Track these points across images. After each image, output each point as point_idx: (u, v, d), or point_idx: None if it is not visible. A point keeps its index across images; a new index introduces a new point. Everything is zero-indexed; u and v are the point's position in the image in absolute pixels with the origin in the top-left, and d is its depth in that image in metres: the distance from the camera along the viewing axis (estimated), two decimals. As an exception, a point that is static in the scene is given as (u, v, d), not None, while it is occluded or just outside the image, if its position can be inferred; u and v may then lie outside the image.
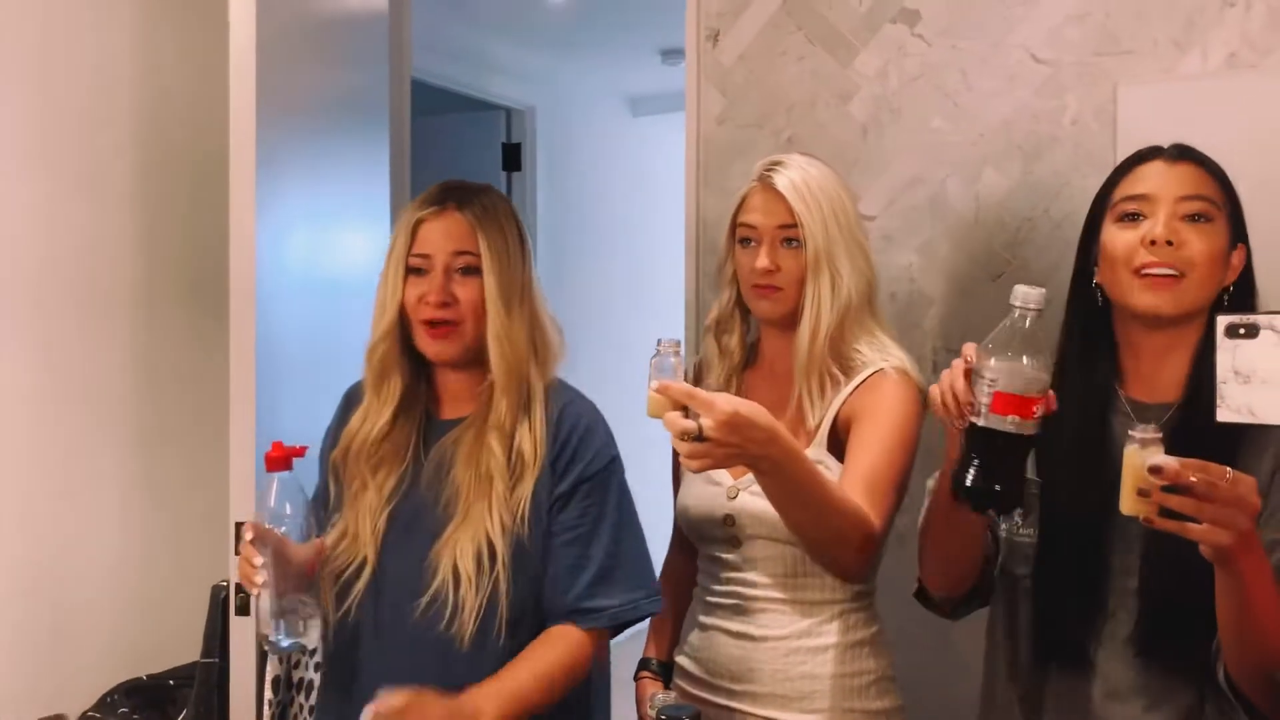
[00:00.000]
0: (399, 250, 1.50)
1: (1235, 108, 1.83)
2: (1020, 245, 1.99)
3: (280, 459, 1.41)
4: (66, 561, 2.36)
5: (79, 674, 2.35)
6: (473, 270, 1.49)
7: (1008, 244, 2.00)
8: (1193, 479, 1.06)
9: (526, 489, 1.47)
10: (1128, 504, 1.12)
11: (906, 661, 1.66)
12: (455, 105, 4.41)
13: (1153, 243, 1.29)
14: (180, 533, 2.51)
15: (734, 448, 1.26)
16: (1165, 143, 1.38)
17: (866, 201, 2.09)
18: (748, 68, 2.23)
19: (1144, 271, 1.30)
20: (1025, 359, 1.16)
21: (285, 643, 1.40)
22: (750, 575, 1.61)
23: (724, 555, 1.63)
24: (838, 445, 1.56)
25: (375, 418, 1.53)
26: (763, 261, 1.60)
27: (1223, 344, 1.09)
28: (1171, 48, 1.89)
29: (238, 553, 1.96)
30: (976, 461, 1.19)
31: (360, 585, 1.47)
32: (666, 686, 1.75)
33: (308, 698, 2.01)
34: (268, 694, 1.97)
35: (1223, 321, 1.10)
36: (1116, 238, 1.34)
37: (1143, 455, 1.10)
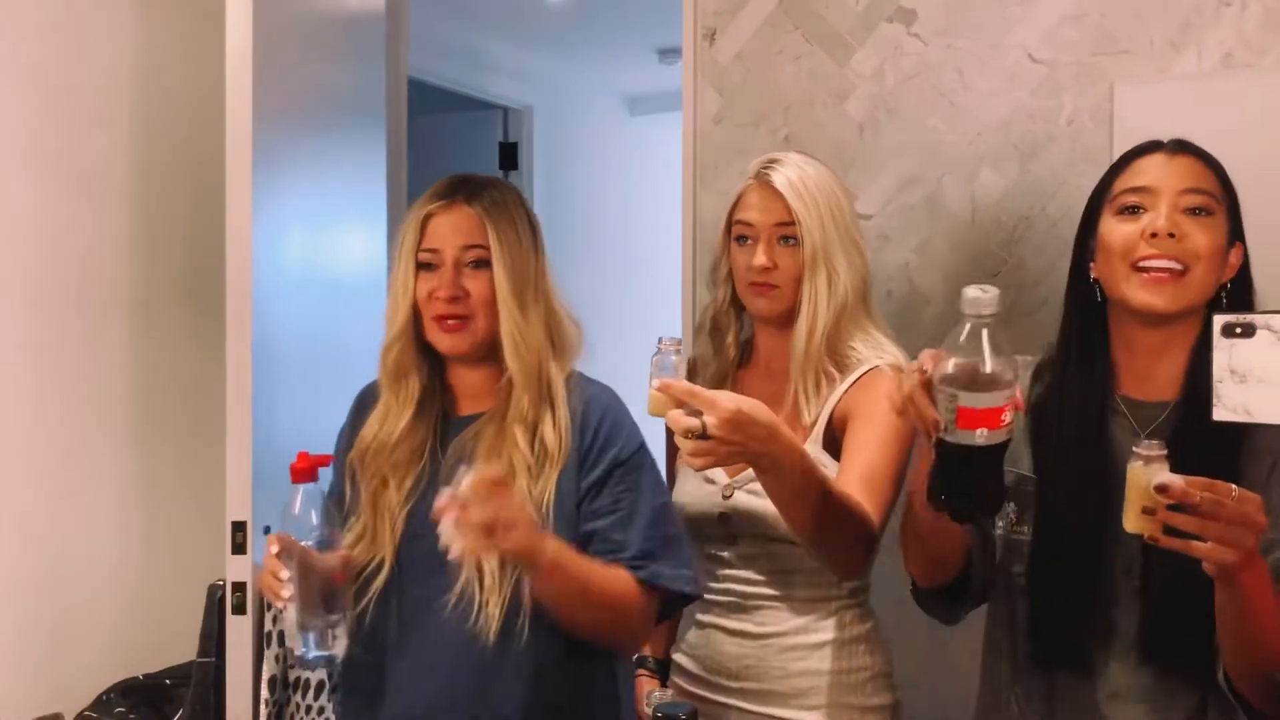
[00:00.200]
0: (408, 245, 1.49)
1: (1231, 107, 1.83)
2: (1017, 244, 1.99)
3: (306, 469, 1.38)
4: (64, 561, 2.35)
5: (76, 673, 2.34)
6: (483, 263, 1.47)
7: (1004, 243, 2.01)
8: (1200, 498, 1.05)
9: (550, 482, 1.45)
10: (1132, 522, 1.10)
11: (902, 657, 1.66)
12: (452, 104, 4.41)
13: (1154, 235, 1.27)
14: (177, 532, 2.51)
15: (736, 445, 1.26)
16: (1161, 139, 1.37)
17: (863, 200, 2.09)
18: (745, 67, 2.23)
19: (1143, 265, 1.28)
20: (988, 368, 1.10)
21: (313, 656, 1.37)
22: (746, 573, 1.62)
23: (720, 553, 1.63)
24: (833, 443, 1.56)
25: (396, 419, 1.50)
26: (760, 259, 1.60)
27: (1219, 343, 1.09)
28: (1168, 47, 1.89)
29: (235, 552, 1.98)
30: (950, 475, 1.15)
31: (378, 584, 1.45)
32: (663, 684, 1.75)
33: (304, 697, 2.01)
34: (264, 693, 1.98)
35: (1219, 320, 1.09)
36: (1115, 230, 1.31)
37: (1148, 473, 1.09)
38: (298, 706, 2.01)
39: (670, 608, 1.50)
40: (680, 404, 1.27)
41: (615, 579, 1.41)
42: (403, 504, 1.49)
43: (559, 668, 1.45)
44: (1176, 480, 1.06)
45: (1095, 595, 1.31)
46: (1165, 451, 1.09)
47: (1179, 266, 1.27)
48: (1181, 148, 1.34)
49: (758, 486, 1.57)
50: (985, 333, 1.10)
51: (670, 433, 1.67)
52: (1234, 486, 1.07)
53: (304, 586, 1.34)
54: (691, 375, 1.74)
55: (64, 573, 2.35)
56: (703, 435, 1.25)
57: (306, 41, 2.25)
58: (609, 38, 4.38)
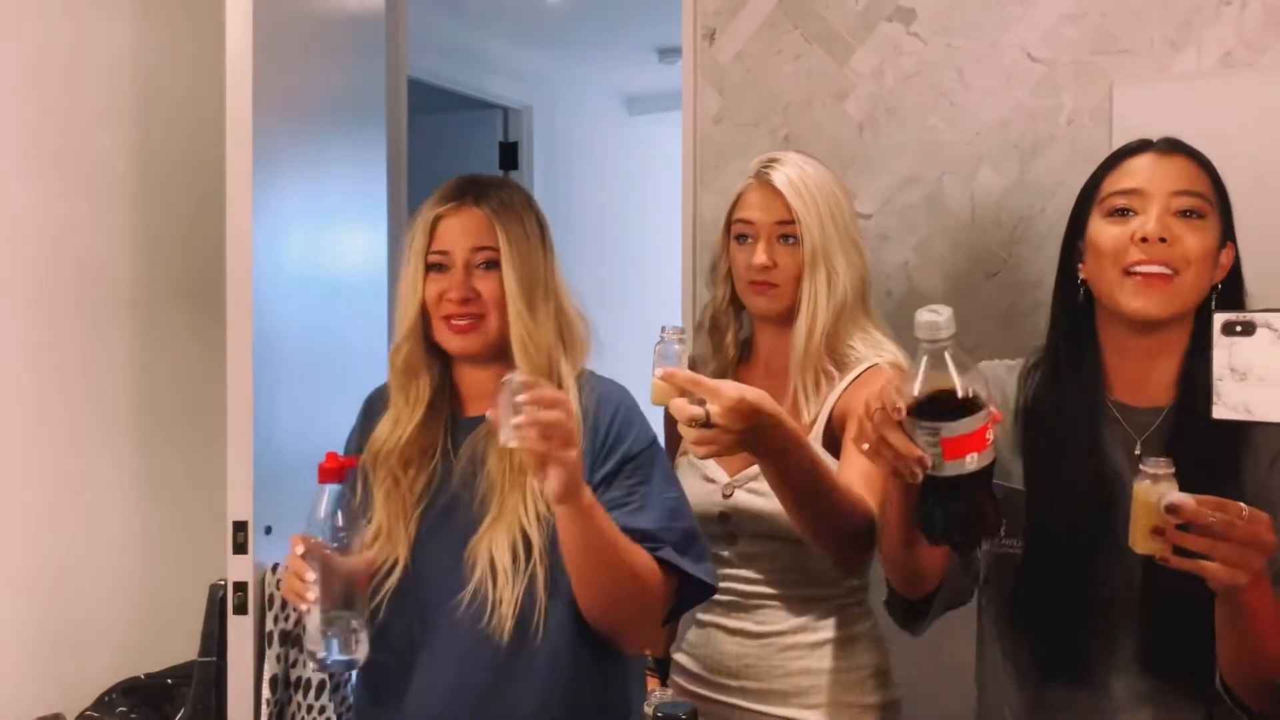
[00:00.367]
0: (417, 247, 1.48)
1: (1231, 106, 1.83)
2: (1016, 244, 1.99)
3: (334, 470, 1.35)
4: (65, 561, 2.36)
5: (77, 673, 2.34)
6: (493, 265, 1.47)
7: (1004, 242, 2.01)
8: (1211, 518, 1.03)
9: None
10: (1140, 542, 1.08)
11: (901, 655, 1.66)
12: (452, 104, 4.41)
13: (1144, 239, 1.24)
14: (178, 532, 2.51)
15: (740, 434, 1.26)
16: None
17: (863, 200, 2.09)
18: (744, 66, 2.23)
19: (1134, 269, 1.24)
20: (963, 392, 1.05)
21: (333, 660, 1.34)
22: (746, 572, 1.62)
23: (720, 552, 1.63)
24: (833, 441, 1.56)
25: (406, 421, 1.50)
26: (760, 258, 1.60)
27: (1219, 341, 1.08)
28: (1167, 47, 1.89)
29: (236, 552, 1.98)
30: (945, 507, 1.10)
31: (391, 584, 1.44)
32: (663, 683, 1.76)
33: (305, 696, 2.02)
34: (265, 693, 1.98)
35: (1219, 318, 1.09)
36: (1105, 233, 1.28)
37: (1157, 491, 1.06)
38: (299, 706, 2.01)
39: (684, 602, 1.47)
40: (684, 393, 1.27)
41: (638, 551, 1.38)
42: (415, 504, 1.48)
43: (574, 669, 1.43)
44: (1187, 500, 1.04)
45: (1095, 608, 1.27)
46: (1173, 470, 1.07)
47: (1169, 271, 1.24)
48: (1173, 147, 1.30)
49: (758, 485, 1.58)
50: (948, 355, 1.05)
51: (669, 428, 1.68)
52: (1244, 506, 1.05)
53: (327, 589, 1.31)
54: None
55: (65, 573, 2.35)
56: (706, 424, 1.24)
57: (306, 41, 2.25)
58: (609, 37, 4.38)
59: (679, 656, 1.73)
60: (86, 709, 2.30)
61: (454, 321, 1.46)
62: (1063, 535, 1.28)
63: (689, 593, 1.44)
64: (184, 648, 2.24)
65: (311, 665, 1.37)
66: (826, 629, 1.59)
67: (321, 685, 2.01)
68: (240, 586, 1.98)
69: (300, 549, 1.32)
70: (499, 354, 1.49)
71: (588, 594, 1.38)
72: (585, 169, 4.91)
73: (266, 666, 1.98)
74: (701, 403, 1.25)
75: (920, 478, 1.08)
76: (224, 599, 2.01)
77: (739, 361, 1.73)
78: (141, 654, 2.39)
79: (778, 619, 1.60)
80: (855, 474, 1.47)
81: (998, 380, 1.37)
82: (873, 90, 2.12)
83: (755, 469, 1.57)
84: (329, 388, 2.15)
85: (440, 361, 1.53)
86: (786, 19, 2.19)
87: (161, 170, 2.52)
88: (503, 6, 4.02)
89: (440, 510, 1.48)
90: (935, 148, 2.07)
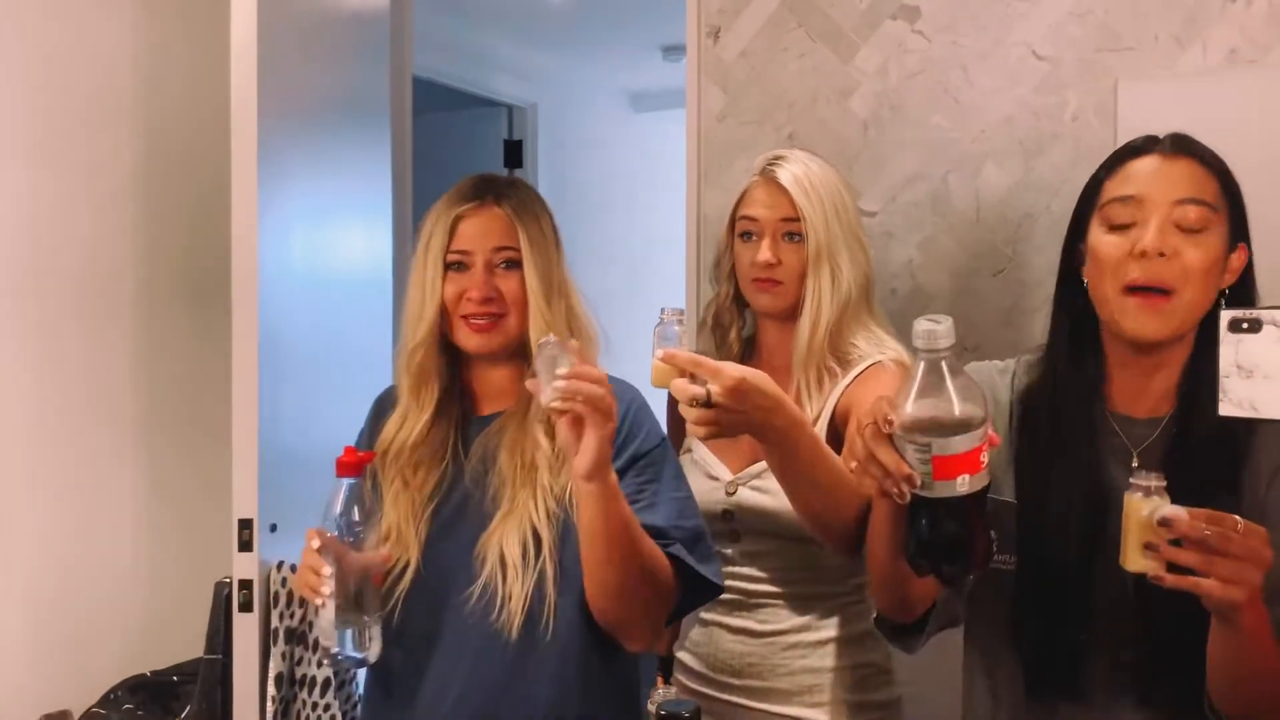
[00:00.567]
0: (437, 247, 1.48)
1: (1236, 103, 1.83)
2: (1021, 242, 1.99)
3: (351, 464, 1.34)
4: (71, 558, 2.36)
5: (83, 670, 2.35)
6: (513, 264, 1.47)
7: (1009, 240, 2.01)
8: (1206, 532, 1.00)
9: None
10: (1132, 560, 1.05)
11: (903, 654, 1.66)
12: (457, 102, 4.41)
13: (1143, 254, 1.18)
14: (184, 530, 2.52)
15: (741, 414, 1.26)
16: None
17: (868, 198, 2.09)
18: (749, 64, 2.23)
19: (1133, 288, 1.19)
20: (958, 408, 0.99)
21: (346, 656, 1.34)
22: (750, 570, 1.62)
23: (723, 550, 1.63)
24: (836, 438, 1.56)
25: (414, 420, 1.50)
26: (764, 254, 1.60)
27: (1226, 338, 1.07)
28: (1172, 43, 1.89)
29: (241, 550, 1.99)
30: (936, 533, 1.04)
31: (404, 584, 1.44)
32: (666, 681, 1.76)
33: (310, 694, 2.02)
34: (271, 690, 1.98)
35: (1226, 315, 1.07)
36: (1104, 243, 1.22)
37: (1149, 506, 1.03)
38: (304, 704, 2.02)
39: (689, 601, 1.46)
40: (684, 374, 1.27)
41: (652, 543, 1.37)
42: (426, 504, 1.48)
43: (585, 665, 1.43)
44: (1180, 513, 1.01)
45: (1092, 625, 1.22)
46: (1165, 483, 1.04)
47: (1168, 288, 1.19)
48: (1179, 148, 1.23)
49: (761, 483, 1.58)
50: (945, 367, 1.01)
51: (672, 422, 1.68)
52: (1239, 519, 1.02)
53: (342, 585, 1.31)
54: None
55: (71, 570, 2.36)
56: (707, 404, 1.24)
57: (311, 39, 2.26)
58: (613, 35, 4.38)
59: (682, 655, 1.73)
60: (92, 706, 2.31)
61: (473, 320, 1.47)
62: (1057, 551, 1.23)
63: (695, 592, 1.44)
64: (189, 646, 2.24)
65: (324, 661, 1.36)
66: (829, 627, 1.60)
67: (327, 683, 2.01)
68: (245, 584, 1.98)
69: (316, 543, 1.32)
70: (514, 353, 1.50)
71: (601, 581, 1.36)
72: (590, 167, 4.91)
73: (272, 664, 1.98)
74: (703, 383, 1.25)
75: (908, 497, 1.03)
76: (229, 597, 2.02)
77: (742, 359, 1.73)
78: (147, 652, 2.40)
79: (780, 617, 1.60)
80: None
81: (989, 384, 1.33)
82: (877, 88, 2.11)
83: (759, 466, 1.58)
84: (333, 385, 2.15)
85: (450, 360, 1.53)
86: (791, 16, 2.19)
87: (166, 169, 2.52)
88: (507, 4, 4.02)
89: (451, 509, 1.48)
90: (940, 145, 2.06)
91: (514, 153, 4.63)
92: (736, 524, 1.62)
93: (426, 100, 3.39)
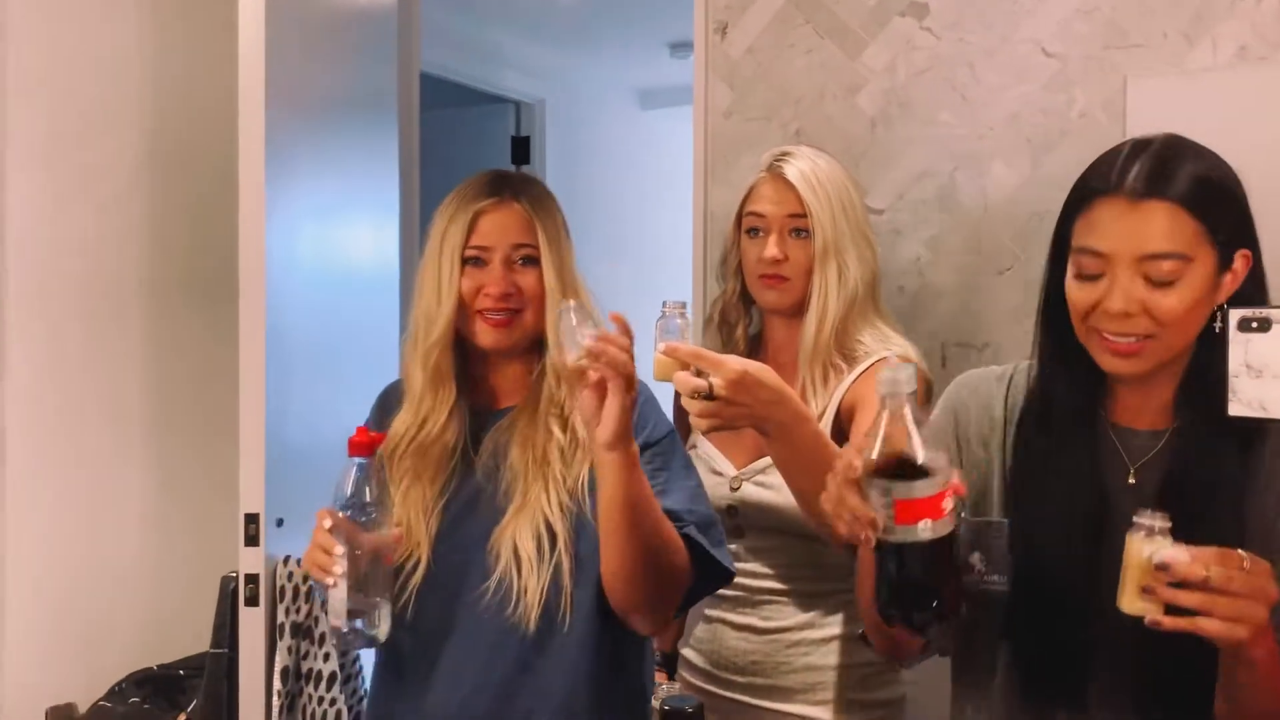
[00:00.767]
0: (454, 242, 1.47)
1: (1245, 101, 1.82)
2: (1029, 239, 1.99)
3: (364, 444, 1.33)
4: (78, 552, 2.37)
5: (90, 664, 2.36)
6: (530, 260, 1.48)
7: (1016, 237, 2.00)
8: (1206, 574, 0.96)
9: (583, 468, 1.44)
10: (1128, 602, 1.01)
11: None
12: (464, 99, 4.41)
13: (1110, 313, 1.12)
14: (191, 524, 2.52)
15: (743, 407, 1.26)
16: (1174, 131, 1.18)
17: (875, 195, 2.09)
18: (756, 61, 2.23)
19: (1107, 336, 1.14)
20: (920, 452, 1.00)
21: (356, 635, 1.33)
22: (754, 566, 1.62)
23: (727, 546, 1.63)
24: (841, 434, 1.56)
25: (431, 417, 1.49)
26: (772, 250, 1.60)
27: (1235, 337, 1.06)
28: (1181, 40, 1.88)
29: (248, 544, 1.99)
30: (902, 578, 1.04)
31: (416, 579, 1.44)
32: (671, 678, 1.76)
33: (316, 688, 2.02)
34: (276, 684, 1.99)
35: (1235, 315, 1.06)
36: (1073, 288, 1.16)
37: (1150, 547, 0.99)
38: (309, 698, 2.02)
39: (701, 586, 1.43)
40: (687, 367, 1.27)
41: (667, 521, 1.36)
42: (437, 499, 1.48)
43: (598, 658, 1.43)
44: (1180, 557, 0.96)
45: (1092, 646, 1.17)
46: (1169, 523, 1.00)
47: (1144, 335, 1.13)
48: (1150, 187, 1.11)
49: (766, 478, 1.58)
50: (908, 414, 1.01)
51: (679, 418, 1.68)
52: (1244, 556, 0.97)
53: (353, 565, 1.30)
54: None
55: (78, 564, 2.37)
56: (709, 396, 1.24)
57: (319, 36, 2.26)
58: (621, 32, 4.38)
59: (686, 652, 1.73)
60: (99, 699, 2.31)
61: (491, 315, 1.47)
62: (1054, 571, 1.18)
63: (707, 577, 1.42)
64: (196, 639, 2.25)
65: (333, 640, 1.35)
66: (833, 625, 1.59)
67: (333, 678, 2.02)
68: (252, 579, 1.99)
69: (328, 523, 1.31)
70: (527, 349, 1.51)
71: (620, 555, 1.33)
72: (597, 163, 4.91)
73: (277, 658, 1.99)
74: (705, 376, 1.25)
75: (873, 541, 1.03)
76: (235, 591, 2.02)
77: (748, 356, 1.72)
78: (154, 645, 2.41)
79: (784, 615, 1.60)
80: None
81: (986, 395, 1.29)
82: (885, 85, 2.11)
83: (763, 461, 1.58)
84: (340, 380, 2.16)
85: (462, 356, 1.53)
86: (798, 13, 2.19)
87: (173, 165, 2.53)
88: (516, 0, 4.02)
89: (463, 504, 1.48)
90: (947, 143, 2.06)
91: (521, 149, 4.63)
92: (740, 519, 1.62)
93: (434, 96, 3.38)
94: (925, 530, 1.00)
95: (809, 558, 1.58)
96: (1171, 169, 1.12)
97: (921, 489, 0.99)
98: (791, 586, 1.60)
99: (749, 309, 1.72)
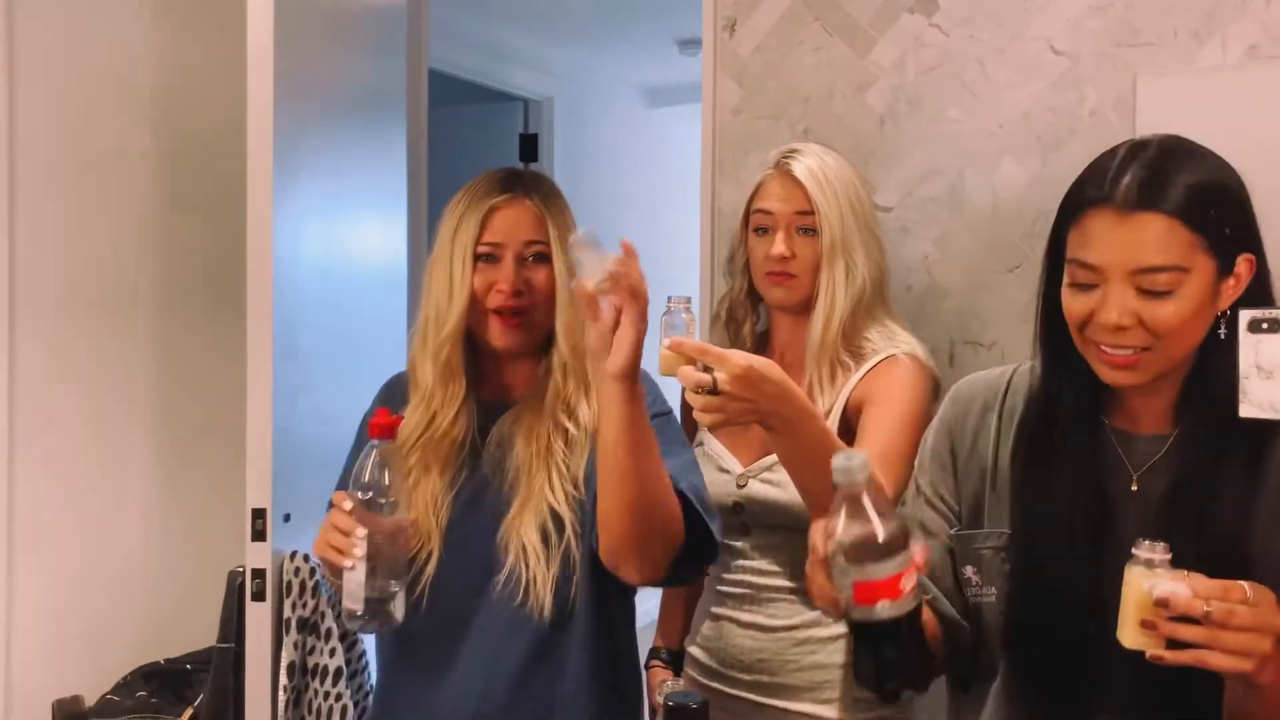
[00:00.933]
0: (466, 238, 1.47)
1: (1255, 100, 1.81)
2: (1038, 237, 1.96)
3: (386, 426, 1.32)
4: (86, 547, 2.38)
5: (98, 658, 2.37)
6: (542, 258, 1.48)
7: (1025, 236, 2.00)
8: (1208, 609, 0.94)
9: (585, 455, 1.45)
10: (1129, 636, 1.00)
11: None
12: (472, 96, 4.41)
13: (1105, 326, 1.11)
14: (198, 519, 2.53)
15: (748, 402, 1.26)
16: (1184, 132, 1.15)
17: (883, 192, 2.08)
18: (764, 58, 2.23)
19: (1104, 349, 1.12)
20: (879, 537, 1.00)
21: (372, 617, 1.32)
22: (760, 563, 1.62)
23: (734, 543, 1.63)
24: (848, 432, 1.56)
25: (442, 413, 1.49)
26: (779, 248, 1.60)
27: (1245, 338, 1.05)
28: (1191, 39, 1.87)
29: (255, 539, 2.00)
30: (868, 653, 1.08)
31: (429, 572, 1.44)
32: (676, 675, 1.76)
33: (322, 683, 2.03)
34: (283, 679, 1.99)
35: (1245, 315, 1.05)
36: (1068, 296, 1.14)
37: (1150, 580, 0.98)
38: (315, 693, 2.03)
39: (691, 554, 1.39)
40: (692, 362, 1.27)
41: (664, 470, 1.34)
42: (446, 493, 1.48)
43: (599, 648, 1.44)
44: (1180, 592, 0.95)
45: (1094, 654, 1.14)
46: (1170, 555, 0.99)
47: (1140, 347, 1.11)
48: (1142, 198, 1.08)
49: (772, 475, 1.58)
50: (865, 499, 1.02)
51: (686, 414, 1.68)
52: (1247, 587, 0.96)
53: (371, 548, 1.29)
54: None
55: (86, 559, 2.38)
56: (713, 391, 1.24)
57: (327, 34, 2.26)
58: (629, 29, 4.38)
59: (693, 650, 1.73)
60: (107, 693, 2.32)
61: (504, 316, 1.47)
62: (1054, 583, 1.16)
63: (696, 548, 1.39)
64: (203, 634, 2.26)
65: (348, 623, 1.35)
66: (839, 623, 1.59)
67: (339, 673, 2.02)
68: (258, 574, 1.99)
69: (347, 505, 1.31)
70: (535, 345, 1.51)
71: (618, 493, 1.31)
72: (605, 161, 4.92)
73: (284, 653, 1.99)
74: (710, 370, 1.25)
75: (841, 619, 1.05)
76: (242, 586, 2.03)
77: (756, 353, 1.72)
78: (161, 640, 2.41)
79: (791, 613, 1.60)
80: (873, 455, 1.46)
81: (981, 401, 1.28)
82: (894, 82, 2.10)
83: (769, 459, 1.57)
84: (347, 376, 2.15)
85: (470, 351, 1.53)
86: (807, 11, 2.18)
87: (182, 162, 2.53)
88: (524, -2, 4.02)
89: (470, 496, 1.49)
90: (956, 140, 2.05)
91: (529, 146, 4.63)
92: (747, 517, 1.61)
93: (443, 93, 3.39)
94: (884, 610, 1.01)
95: (815, 555, 1.58)
96: (1165, 178, 1.09)
97: (879, 571, 1.01)
98: (798, 584, 1.60)
99: (756, 306, 1.72)
